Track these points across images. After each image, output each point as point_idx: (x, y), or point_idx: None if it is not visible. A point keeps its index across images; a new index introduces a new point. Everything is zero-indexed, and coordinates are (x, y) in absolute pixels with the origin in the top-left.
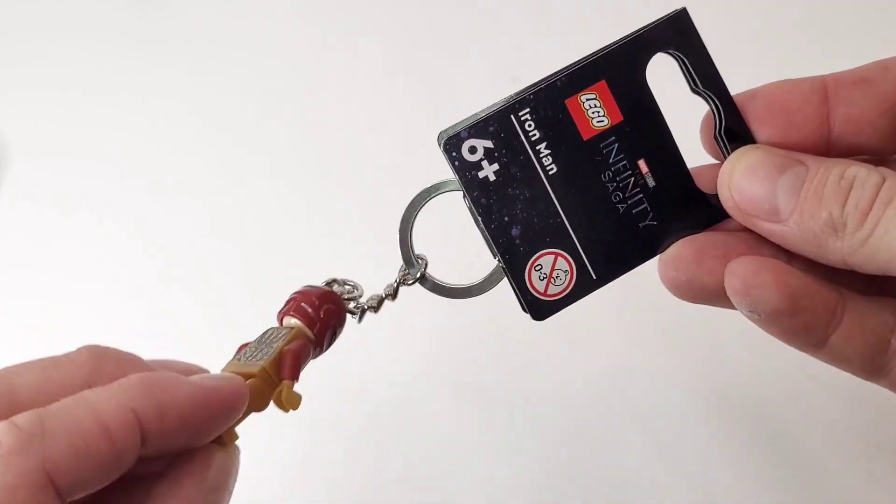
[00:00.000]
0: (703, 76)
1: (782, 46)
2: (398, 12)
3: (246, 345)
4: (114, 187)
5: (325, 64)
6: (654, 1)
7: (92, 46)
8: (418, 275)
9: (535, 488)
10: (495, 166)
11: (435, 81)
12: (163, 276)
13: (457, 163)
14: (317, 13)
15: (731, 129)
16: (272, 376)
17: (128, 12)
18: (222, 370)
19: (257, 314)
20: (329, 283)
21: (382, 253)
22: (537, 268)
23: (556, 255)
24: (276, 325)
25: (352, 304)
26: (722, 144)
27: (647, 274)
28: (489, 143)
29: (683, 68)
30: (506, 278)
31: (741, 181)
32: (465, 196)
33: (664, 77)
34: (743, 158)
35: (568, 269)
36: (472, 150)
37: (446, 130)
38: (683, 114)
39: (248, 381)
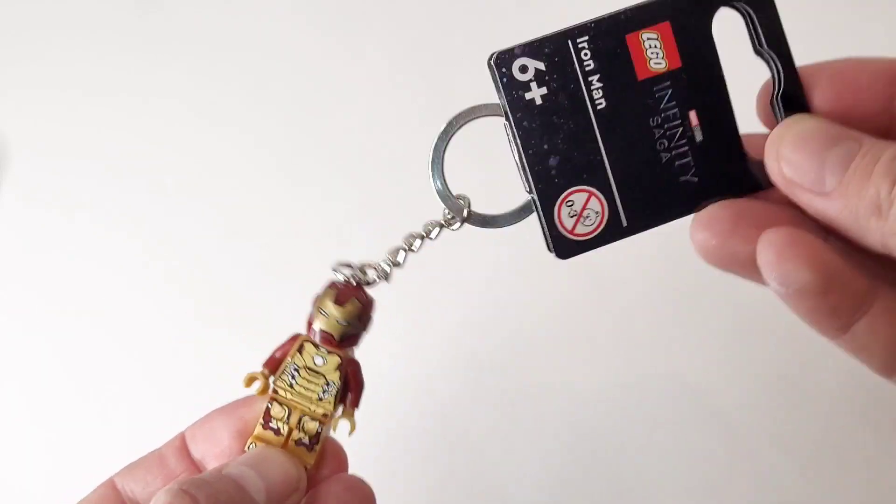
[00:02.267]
0: (769, 36)
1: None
2: (399, 12)
3: (294, 340)
4: (114, 187)
5: (325, 63)
6: None
7: (92, 46)
8: (465, 214)
9: (538, 489)
10: (543, 90)
11: (435, 81)
12: (163, 277)
13: (504, 80)
14: (317, 13)
15: (790, 97)
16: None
17: (128, 12)
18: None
19: (258, 314)
20: (345, 274)
21: (385, 252)
22: (568, 203)
23: (590, 193)
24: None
25: (371, 278)
26: (777, 110)
27: (661, 279)
28: (541, 65)
29: (750, 25)
30: (535, 211)
31: (790, 147)
32: (506, 116)
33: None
34: (796, 125)
35: (599, 210)
36: (524, 69)
37: (500, 49)
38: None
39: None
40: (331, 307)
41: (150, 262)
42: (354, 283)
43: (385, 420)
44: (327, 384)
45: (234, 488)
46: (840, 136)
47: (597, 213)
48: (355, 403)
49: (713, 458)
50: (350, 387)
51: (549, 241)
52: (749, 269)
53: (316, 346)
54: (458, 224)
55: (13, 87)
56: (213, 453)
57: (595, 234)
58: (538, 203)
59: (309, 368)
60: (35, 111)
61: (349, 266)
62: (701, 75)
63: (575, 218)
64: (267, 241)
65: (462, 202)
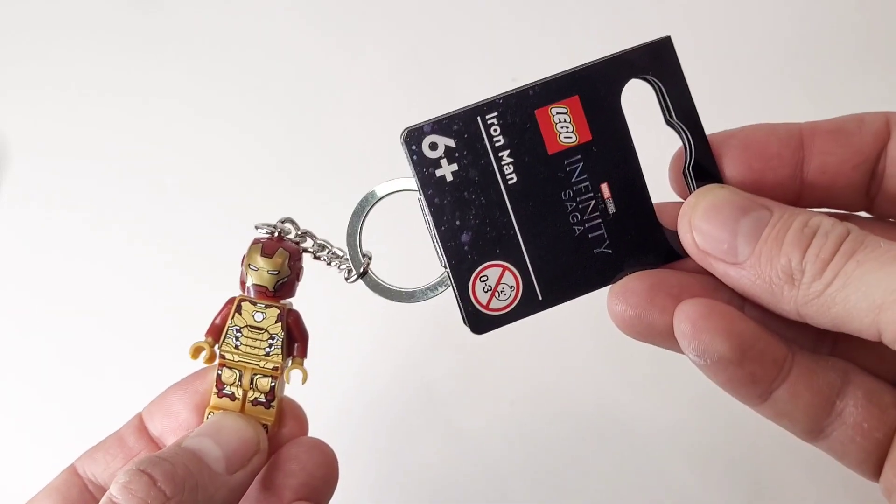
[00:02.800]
0: (679, 108)
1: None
2: (398, 12)
3: (231, 303)
4: (114, 187)
5: (325, 63)
6: (650, 7)
7: (92, 46)
8: (361, 270)
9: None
10: (454, 167)
11: (435, 81)
12: (163, 277)
13: (415, 157)
14: (317, 13)
15: (701, 166)
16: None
17: (128, 12)
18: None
19: None
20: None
21: (384, 251)
22: (482, 279)
23: (504, 268)
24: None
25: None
26: (689, 180)
27: None
28: (451, 142)
29: (660, 97)
30: (450, 287)
31: (702, 218)
32: (419, 193)
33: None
34: (707, 196)
35: (514, 284)
36: (433, 146)
37: (411, 125)
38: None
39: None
40: (259, 260)
41: (149, 261)
42: (277, 236)
43: (374, 411)
44: (272, 338)
45: (191, 461)
46: (751, 206)
47: (511, 287)
48: (303, 352)
49: (714, 458)
50: (294, 336)
51: (465, 317)
52: (668, 340)
53: (253, 302)
54: (353, 277)
55: (13, 87)
56: (171, 428)
57: (510, 308)
58: (452, 278)
59: (251, 326)
60: (35, 111)
61: (269, 223)
62: (612, 147)
63: (489, 293)
64: None
65: (365, 260)
